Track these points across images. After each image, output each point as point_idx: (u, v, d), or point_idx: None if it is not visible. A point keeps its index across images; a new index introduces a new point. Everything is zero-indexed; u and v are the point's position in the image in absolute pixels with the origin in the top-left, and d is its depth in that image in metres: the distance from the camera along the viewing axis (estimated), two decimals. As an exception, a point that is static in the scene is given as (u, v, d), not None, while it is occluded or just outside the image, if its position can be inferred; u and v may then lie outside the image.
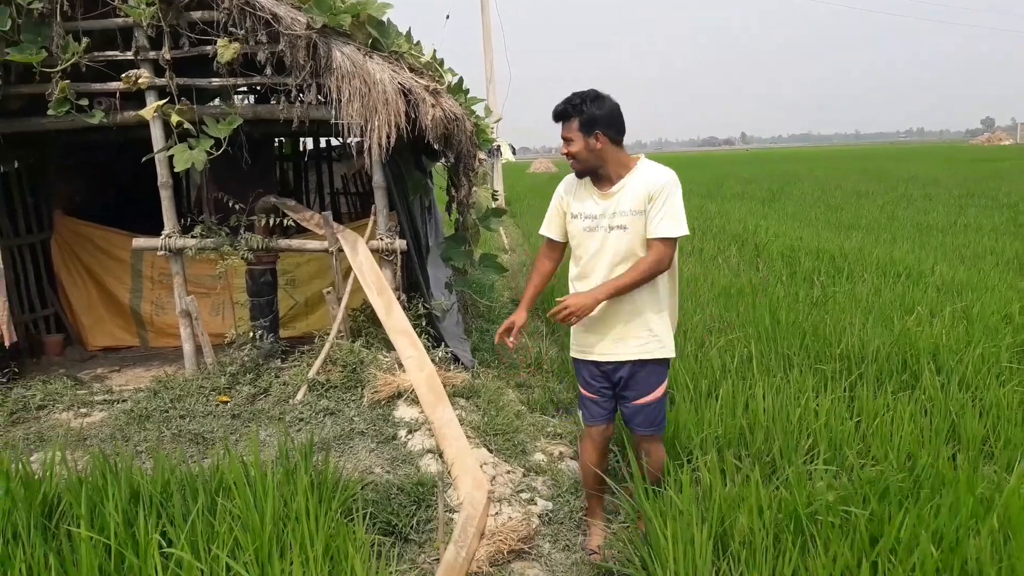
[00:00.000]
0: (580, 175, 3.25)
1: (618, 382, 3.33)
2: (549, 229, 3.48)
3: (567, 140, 3.15)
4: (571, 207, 3.32)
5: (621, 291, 3.10)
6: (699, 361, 5.16)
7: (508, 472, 4.03)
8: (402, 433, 4.26)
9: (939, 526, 2.76)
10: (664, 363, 3.28)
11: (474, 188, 5.93)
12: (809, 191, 21.72)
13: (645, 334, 3.22)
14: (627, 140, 3.23)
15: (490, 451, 4.19)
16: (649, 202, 3.08)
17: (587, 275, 3.28)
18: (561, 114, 3.15)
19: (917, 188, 21.29)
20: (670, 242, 3.07)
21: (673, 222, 3.06)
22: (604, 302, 3.17)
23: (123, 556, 2.81)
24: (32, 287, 6.42)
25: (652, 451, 3.39)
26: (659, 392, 3.27)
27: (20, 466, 3.29)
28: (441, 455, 3.98)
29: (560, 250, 3.53)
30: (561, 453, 4.41)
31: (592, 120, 3.09)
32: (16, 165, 6.22)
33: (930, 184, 22.78)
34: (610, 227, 3.18)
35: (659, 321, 3.22)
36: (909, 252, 9.51)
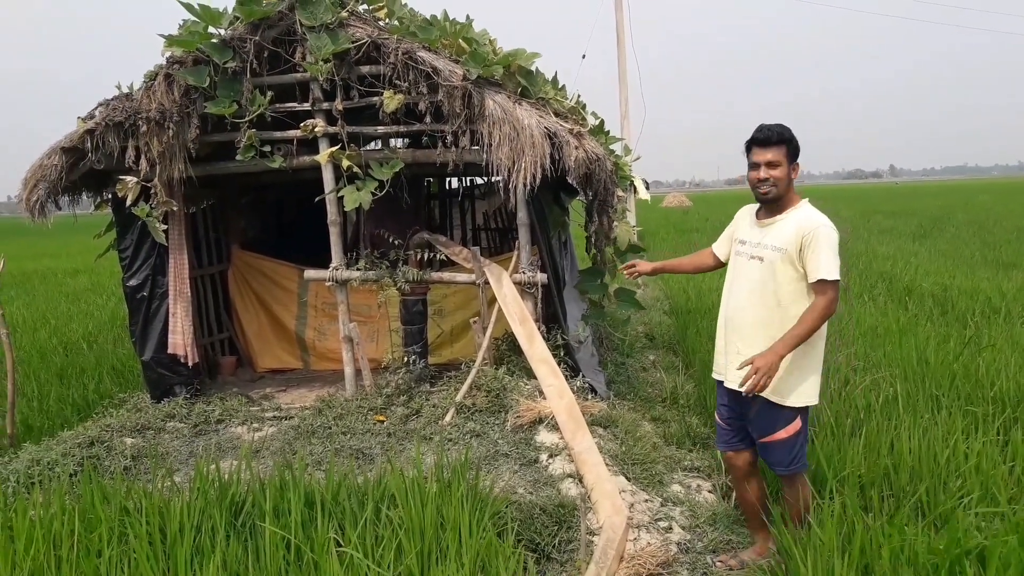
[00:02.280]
0: (766, 202, 3.36)
1: (744, 413, 3.48)
2: (719, 245, 3.74)
3: (774, 164, 3.26)
4: (738, 232, 3.54)
5: (800, 340, 3.14)
6: (843, 399, 5.10)
7: (646, 500, 4.14)
8: (543, 457, 4.47)
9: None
10: (783, 409, 3.33)
11: (615, 223, 6.13)
12: (964, 227, 20.48)
13: None
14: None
15: (628, 479, 4.32)
16: (799, 245, 3.18)
17: (725, 298, 3.53)
18: (776, 139, 3.27)
19: (1090, 223, 19.65)
20: (832, 284, 3.13)
21: (833, 267, 3.13)
22: (744, 328, 3.38)
23: (301, 552, 3.16)
24: (211, 313, 7.13)
25: (789, 489, 3.47)
26: (781, 435, 3.34)
27: (210, 471, 3.74)
28: (581, 480, 4.15)
29: (713, 266, 3.81)
30: (699, 486, 4.47)
31: (796, 151, 3.28)
32: (202, 204, 6.96)
33: (1106, 219, 20.96)
34: (751, 256, 3.36)
35: (786, 368, 3.25)
36: (1078, 292, 8.88)
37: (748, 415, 3.47)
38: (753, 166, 3.31)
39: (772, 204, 3.34)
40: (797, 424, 3.32)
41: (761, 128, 3.29)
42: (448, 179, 9.23)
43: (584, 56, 19.16)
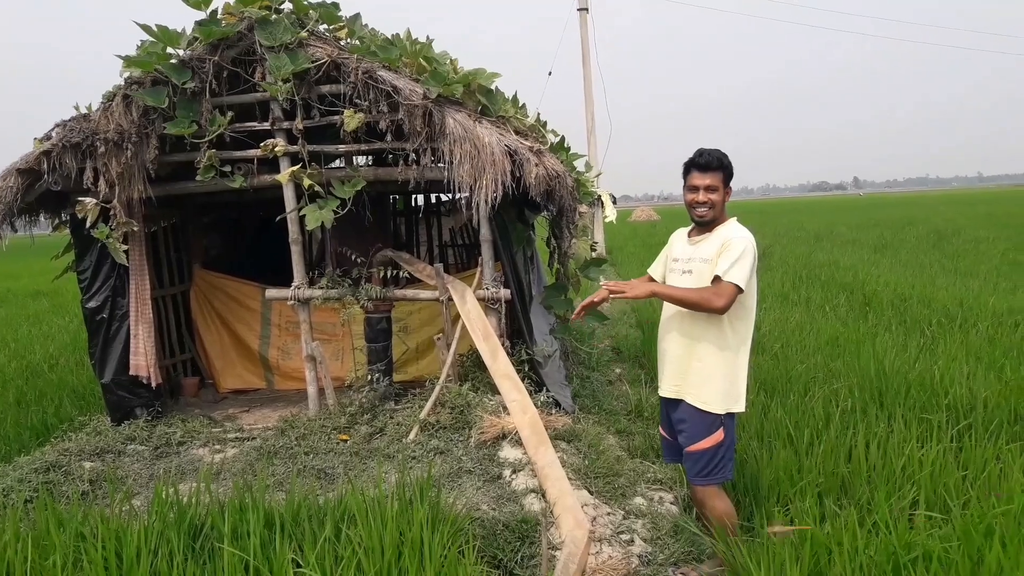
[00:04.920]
0: (704, 224, 3.51)
1: (676, 423, 3.61)
2: (653, 267, 3.86)
3: (712, 188, 3.41)
4: (672, 252, 3.68)
5: (672, 298, 3.39)
6: (802, 410, 5.18)
7: (608, 514, 4.16)
8: (507, 473, 4.48)
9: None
10: (704, 415, 3.45)
11: (574, 240, 6.19)
12: (925, 237, 20.93)
13: (683, 377, 3.50)
14: (733, 186, 3.57)
15: (591, 493, 4.34)
16: (719, 252, 3.33)
17: (662, 314, 3.68)
18: (715, 165, 3.42)
19: (1045, 233, 20.16)
20: (731, 287, 3.25)
21: (736, 271, 3.25)
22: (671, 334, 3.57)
23: (260, 573, 3.14)
24: (173, 333, 7.05)
25: (704, 501, 3.55)
26: (703, 444, 3.45)
27: (169, 494, 3.69)
28: (544, 495, 4.17)
29: None
30: (661, 498, 4.50)
31: (731, 176, 3.45)
32: (163, 224, 6.91)
33: (1060, 229, 21.53)
34: (683, 271, 3.51)
35: (706, 372, 3.42)
36: (1031, 301, 9.11)
37: (676, 424, 3.61)
38: (692, 188, 3.46)
39: (709, 225, 3.50)
40: (720, 435, 3.42)
41: (701, 153, 3.45)
42: (414, 196, 9.25)
43: (550, 73, 19.34)
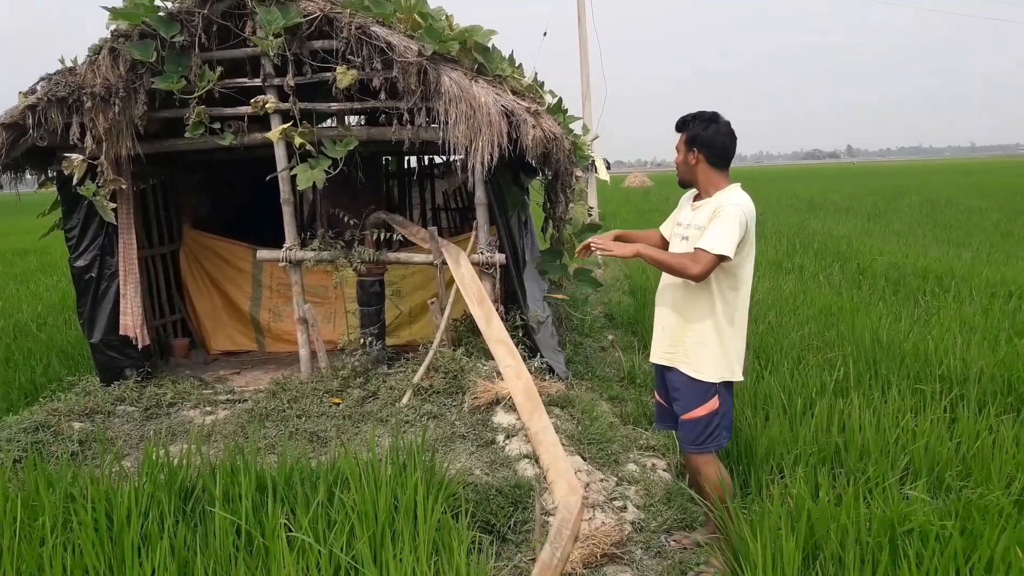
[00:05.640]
0: (679, 184, 3.55)
1: (670, 391, 3.58)
2: (664, 226, 3.80)
3: (677, 149, 3.47)
4: (678, 215, 3.63)
5: (654, 261, 3.33)
6: (795, 379, 5.18)
7: (601, 480, 4.17)
8: (500, 438, 4.46)
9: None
10: (697, 384, 3.41)
11: (570, 204, 6.11)
12: (918, 207, 20.92)
13: (675, 345, 3.46)
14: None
15: (584, 459, 4.33)
16: (710, 218, 3.26)
17: (661, 280, 3.63)
18: (677, 126, 3.48)
19: (1037, 204, 20.18)
20: (708, 256, 3.17)
21: (715, 239, 3.17)
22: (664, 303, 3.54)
23: (252, 537, 3.12)
24: (162, 294, 6.97)
25: (698, 469, 3.54)
26: (698, 412, 3.42)
27: (160, 456, 3.66)
28: (537, 460, 4.15)
29: (662, 245, 3.77)
30: (654, 464, 4.51)
31: (693, 138, 3.36)
32: (152, 182, 6.79)
33: (1053, 200, 21.56)
34: (682, 236, 3.45)
35: (698, 341, 3.38)
36: (1024, 271, 9.12)
37: (671, 391, 3.58)
38: None
39: (696, 187, 3.48)
40: (715, 403, 3.39)
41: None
42: (407, 158, 9.12)
43: (545, 34, 19.08)
